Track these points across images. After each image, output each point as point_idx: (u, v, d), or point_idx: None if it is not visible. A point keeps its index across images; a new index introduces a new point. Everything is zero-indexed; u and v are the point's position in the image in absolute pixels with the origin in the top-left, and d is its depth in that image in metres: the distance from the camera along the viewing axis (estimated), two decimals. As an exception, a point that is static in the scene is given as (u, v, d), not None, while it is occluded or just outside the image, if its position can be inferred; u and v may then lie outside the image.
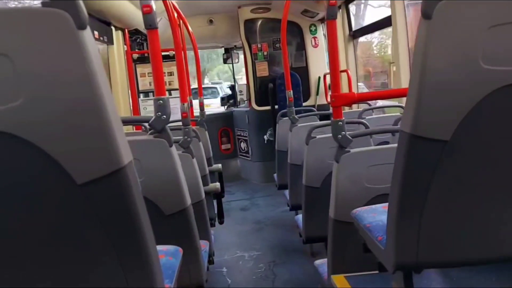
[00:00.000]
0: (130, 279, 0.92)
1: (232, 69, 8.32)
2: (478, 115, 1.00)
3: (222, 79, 22.00)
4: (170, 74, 5.15)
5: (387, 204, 1.22)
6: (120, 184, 0.85)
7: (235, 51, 7.57)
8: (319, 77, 6.16)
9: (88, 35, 0.79)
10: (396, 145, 1.13)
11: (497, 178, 1.10)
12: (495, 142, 1.05)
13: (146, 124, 1.97)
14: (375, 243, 1.35)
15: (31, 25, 0.76)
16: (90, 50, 0.79)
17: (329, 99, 5.56)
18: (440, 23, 0.95)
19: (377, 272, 1.54)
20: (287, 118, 3.80)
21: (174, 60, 4.65)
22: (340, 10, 4.88)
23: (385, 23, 4.06)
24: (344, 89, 4.90)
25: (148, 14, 1.71)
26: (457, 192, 1.11)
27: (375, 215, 1.48)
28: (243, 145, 6.74)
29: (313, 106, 5.89)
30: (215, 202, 3.33)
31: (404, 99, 1.10)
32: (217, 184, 3.09)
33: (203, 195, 2.42)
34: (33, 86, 0.78)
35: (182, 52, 3.22)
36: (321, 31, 6.19)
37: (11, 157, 0.81)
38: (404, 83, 3.48)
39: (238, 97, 7.33)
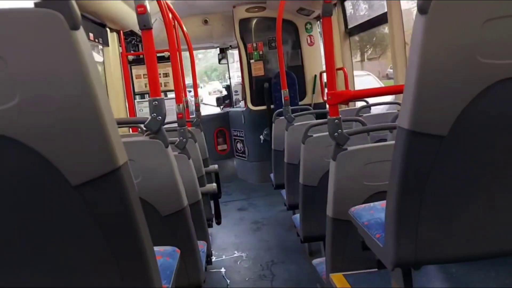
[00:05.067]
0: (127, 280, 0.91)
1: (228, 69, 8.32)
2: (476, 110, 0.99)
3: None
4: (166, 75, 5.14)
5: (385, 201, 1.21)
6: (115, 185, 0.84)
7: (230, 51, 7.56)
8: (315, 76, 6.15)
9: (81, 36, 0.78)
10: (393, 142, 1.12)
11: (495, 173, 1.09)
12: (493, 136, 1.05)
13: (142, 126, 1.96)
14: (374, 240, 1.35)
15: (24, 25, 0.75)
16: (84, 51, 0.78)
17: (325, 97, 5.57)
18: (436, 18, 0.94)
19: (376, 269, 1.54)
20: (283, 117, 3.79)
21: (169, 61, 4.65)
22: (336, 7, 4.87)
23: (381, 20, 4.06)
24: (341, 87, 4.90)
25: (142, 14, 1.70)
26: (455, 187, 1.10)
27: (373, 213, 1.47)
28: (239, 145, 6.73)
29: (309, 105, 5.88)
30: (212, 202, 3.33)
31: (401, 96, 1.10)
32: (214, 185, 3.09)
33: (200, 195, 2.42)
34: (26, 87, 0.77)
35: (178, 53, 3.21)
36: (317, 29, 6.18)
37: (4, 159, 0.80)
38: (401, 80, 3.47)
39: (234, 97, 7.32)
